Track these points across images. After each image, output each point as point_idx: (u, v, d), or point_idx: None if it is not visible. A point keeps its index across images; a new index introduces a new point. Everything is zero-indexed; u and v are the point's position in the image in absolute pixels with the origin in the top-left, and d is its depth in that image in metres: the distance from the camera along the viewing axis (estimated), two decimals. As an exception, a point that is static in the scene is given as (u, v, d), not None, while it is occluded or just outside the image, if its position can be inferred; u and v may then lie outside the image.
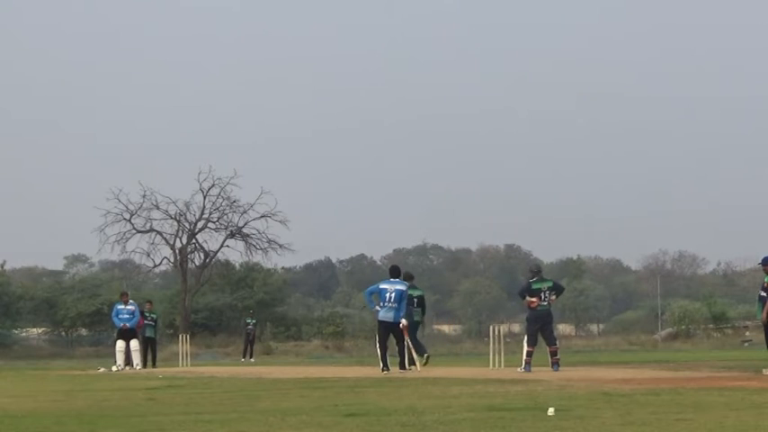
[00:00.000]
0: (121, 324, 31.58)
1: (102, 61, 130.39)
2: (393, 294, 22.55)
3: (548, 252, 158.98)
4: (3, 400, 15.73)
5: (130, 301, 32.79)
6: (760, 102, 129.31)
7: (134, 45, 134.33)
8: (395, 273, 23.19)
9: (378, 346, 22.90)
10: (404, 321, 22.75)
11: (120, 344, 31.63)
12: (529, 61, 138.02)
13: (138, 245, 61.31)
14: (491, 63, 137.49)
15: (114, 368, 31.12)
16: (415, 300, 23.95)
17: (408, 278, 23.71)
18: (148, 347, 34.50)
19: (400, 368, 22.61)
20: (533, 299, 22.08)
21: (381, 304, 22.68)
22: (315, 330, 63.92)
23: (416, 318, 24.17)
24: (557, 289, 22.58)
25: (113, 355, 32.50)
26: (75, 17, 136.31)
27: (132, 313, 31.99)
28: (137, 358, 32.09)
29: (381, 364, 22.42)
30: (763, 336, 22.26)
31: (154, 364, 34.00)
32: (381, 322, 22.77)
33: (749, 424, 9.73)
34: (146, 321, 34.66)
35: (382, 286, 22.89)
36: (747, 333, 57.00)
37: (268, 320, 63.09)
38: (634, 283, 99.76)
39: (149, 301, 37.72)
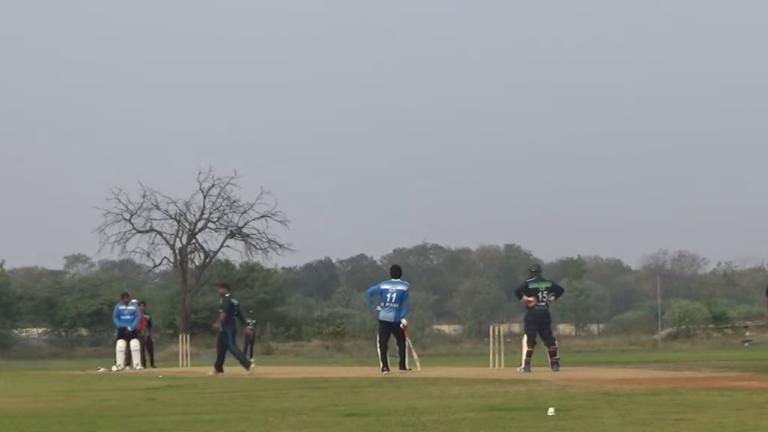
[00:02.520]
0: (123, 325, 31.62)
1: (103, 60, 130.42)
2: (394, 294, 22.58)
3: (548, 252, 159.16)
4: (3, 401, 15.73)
5: (132, 301, 32.81)
6: (760, 101, 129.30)
7: (134, 44, 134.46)
8: (396, 273, 23.22)
9: (378, 346, 22.92)
10: (404, 321, 22.79)
11: (121, 344, 31.66)
12: (528, 60, 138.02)
13: (138, 245, 61.37)
14: (490, 62, 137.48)
15: (114, 368, 31.14)
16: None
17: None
18: (145, 348, 34.49)
19: (400, 368, 22.62)
20: (530, 298, 22.06)
21: (382, 304, 22.70)
22: (315, 330, 63.91)
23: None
24: (556, 290, 22.53)
25: (113, 355, 32.54)
26: (75, 16, 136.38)
27: (133, 314, 32.02)
28: (137, 358, 32.11)
29: (381, 364, 22.43)
30: (764, 336, 22.23)
31: (152, 364, 33.98)
32: (382, 322, 22.80)
33: (749, 424, 9.72)
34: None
35: (383, 287, 22.92)
36: (747, 333, 57.01)
37: (268, 320, 63.08)
38: (634, 283, 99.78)
39: (143, 302, 37.71)
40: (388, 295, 22.63)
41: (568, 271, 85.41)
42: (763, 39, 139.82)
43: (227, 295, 26.60)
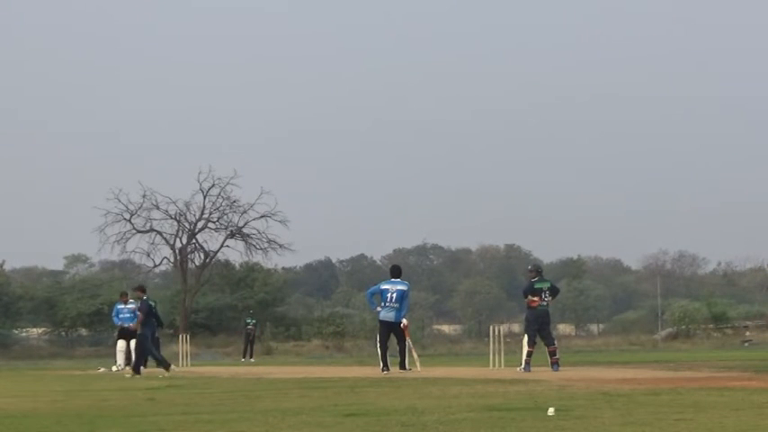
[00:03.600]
0: (120, 323, 31.64)
1: (102, 61, 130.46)
2: (394, 294, 22.60)
3: (548, 252, 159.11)
4: (2, 401, 15.73)
5: (131, 300, 32.81)
6: (760, 101, 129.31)
7: (134, 45, 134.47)
8: (396, 273, 23.23)
9: (378, 345, 22.92)
10: (405, 321, 22.81)
11: (121, 344, 31.68)
12: (527, 61, 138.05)
13: (138, 245, 61.44)
14: (491, 63, 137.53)
15: (114, 368, 31.15)
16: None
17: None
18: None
19: (400, 368, 22.63)
20: (535, 298, 22.14)
21: (383, 304, 22.72)
22: (315, 330, 63.90)
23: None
24: (553, 290, 22.67)
25: (113, 355, 32.57)
26: (75, 16, 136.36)
27: (133, 312, 32.01)
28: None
29: (381, 364, 22.44)
30: (764, 336, 22.28)
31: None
32: (382, 322, 22.81)
33: (749, 424, 9.72)
34: None
35: (383, 287, 22.94)
36: (747, 333, 57.04)
37: (268, 320, 63.09)
38: (634, 283, 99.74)
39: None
40: (389, 295, 22.64)
41: (568, 271, 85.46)
42: (763, 39, 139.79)
43: (145, 297, 26.75)
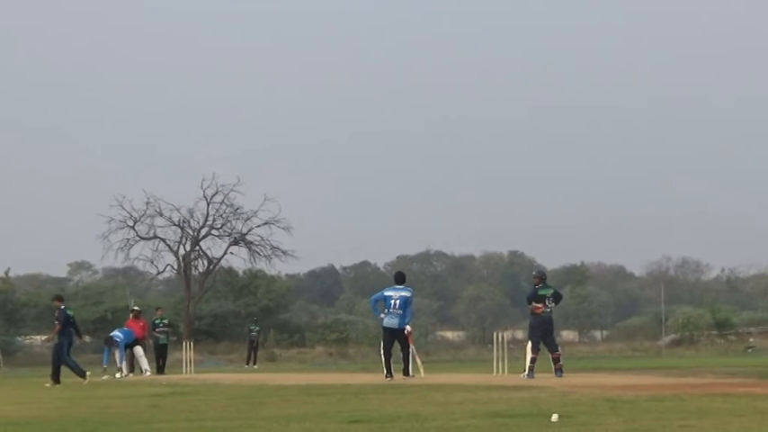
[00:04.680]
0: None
1: (106, 67, 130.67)
2: (398, 301, 22.62)
3: (551, 258, 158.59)
4: (6, 408, 15.74)
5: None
6: (763, 105, 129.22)
7: (137, 50, 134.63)
8: (399, 279, 23.26)
9: (382, 352, 22.93)
10: (408, 328, 22.82)
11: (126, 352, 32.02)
12: (531, 66, 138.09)
13: (141, 252, 61.37)
14: (492, 69, 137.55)
15: (118, 375, 31.19)
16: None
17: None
18: (162, 354, 34.87)
19: (404, 374, 22.64)
20: (539, 305, 22.17)
21: (386, 311, 22.71)
22: (318, 337, 63.90)
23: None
24: (556, 296, 22.70)
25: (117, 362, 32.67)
26: (78, 23, 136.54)
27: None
28: (144, 364, 32.39)
29: (385, 371, 22.44)
30: (767, 342, 22.31)
31: (163, 371, 34.04)
32: (386, 329, 22.82)
33: (753, 430, 9.72)
34: (159, 329, 35.06)
35: (387, 293, 22.96)
36: (751, 339, 57.02)
37: (271, 327, 63.04)
38: (638, 290, 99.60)
39: (159, 308, 38.05)
40: (392, 302, 22.66)
41: (572, 277, 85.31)
42: (764, 41, 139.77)
43: (63, 307, 26.70)
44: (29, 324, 65.94)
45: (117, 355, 31.80)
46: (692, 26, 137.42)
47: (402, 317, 22.62)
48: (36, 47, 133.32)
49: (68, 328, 26.57)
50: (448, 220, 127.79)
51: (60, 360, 26.39)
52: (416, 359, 23.30)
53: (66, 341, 26.51)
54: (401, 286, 22.99)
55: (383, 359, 22.77)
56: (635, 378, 21.07)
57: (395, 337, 22.83)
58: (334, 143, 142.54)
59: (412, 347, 23.18)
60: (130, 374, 31.48)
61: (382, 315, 22.84)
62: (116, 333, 32.54)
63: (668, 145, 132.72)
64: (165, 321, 35.89)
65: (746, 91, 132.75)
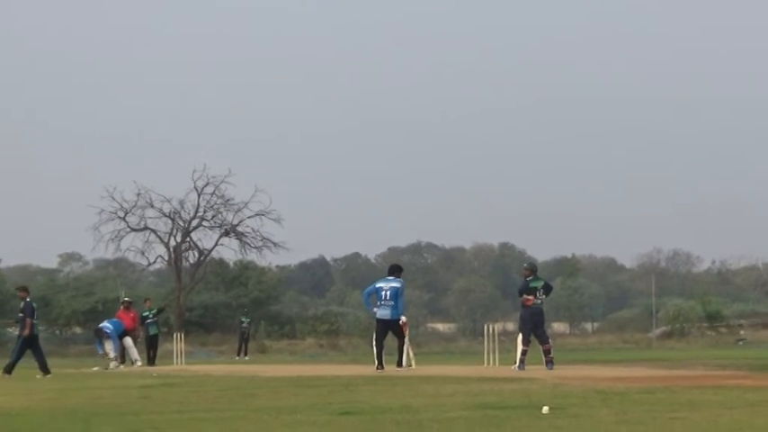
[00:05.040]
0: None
1: (98, 59, 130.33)
2: (388, 292, 22.66)
3: (542, 250, 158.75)
4: (-3, 399, 15.70)
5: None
6: (754, 101, 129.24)
7: (129, 43, 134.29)
8: (392, 270, 23.30)
9: (374, 343, 22.94)
10: (404, 318, 22.87)
11: (127, 341, 32.21)
12: (520, 60, 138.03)
13: (132, 243, 61.39)
14: (484, 62, 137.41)
15: (112, 365, 31.17)
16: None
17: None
18: (153, 345, 34.77)
19: (397, 366, 22.64)
20: (530, 297, 22.18)
21: (378, 303, 22.74)
22: (309, 329, 63.90)
23: None
24: (546, 288, 22.71)
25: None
26: (72, 16, 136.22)
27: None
28: (134, 354, 32.36)
29: (376, 362, 22.45)
30: (758, 335, 22.33)
31: (154, 362, 33.97)
32: (379, 320, 22.85)
33: (743, 422, 9.73)
34: (149, 321, 34.94)
35: (378, 285, 23.00)
36: (742, 332, 57.10)
37: (262, 319, 63.03)
38: (628, 282, 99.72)
39: (147, 299, 37.92)
40: (383, 293, 22.71)
41: (562, 269, 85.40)
42: (760, 39, 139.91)
43: (29, 299, 26.31)
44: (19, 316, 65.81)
45: (110, 345, 31.73)
46: (691, 22, 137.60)
47: (394, 308, 22.64)
48: (28, 39, 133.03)
49: (33, 320, 26.17)
50: (439, 211, 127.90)
51: (20, 351, 26.17)
52: (409, 351, 23.31)
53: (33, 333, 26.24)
54: (392, 277, 23.01)
55: (375, 350, 22.78)
56: (626, 370, 21.10)
57: (388, 328, 22.85)
58: (324, 135, 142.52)
59: (406, 339, 23.20)
60: (121, 366, 31.43)
61: (375, 308, 22.85)
62: (105, 324, 32.48)
63: (661, 137, 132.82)
64: (153, 311, 35.75)
65: (740, 82, 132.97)
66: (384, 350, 22.82)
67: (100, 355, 31.80)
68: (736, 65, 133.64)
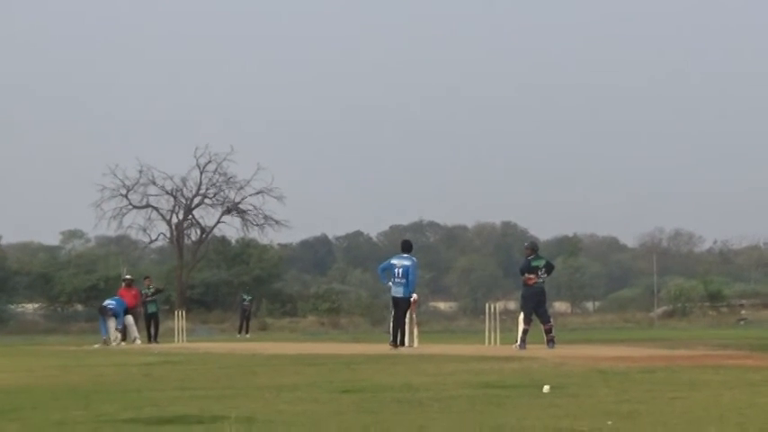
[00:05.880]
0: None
1: (100, 36, 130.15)
2: (400, 270, 22.86)
3: (544, 229, 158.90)
4: (-2, 376, 15.73)
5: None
6: (758, 84, 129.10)
7: (131, 20, 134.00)
8: (405, 248, 23.39)
9: (391, 320, 23.09)
10: (414, 296, 23.01)
11: (129, 318, 32.27)
12: (521, 43, 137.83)
13: (134, 220, 61.32)
14: (486, 40, 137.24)
15: (114, 343, 31.23)
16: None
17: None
18: (151, 322, 34.76)
19: (399, 344, 22.69)
20: (531, 275, 22.16)
21: (393, 279, 22.88)
22: (310, 307, 63.91)
23: None
24: (549, 267, 22.67)
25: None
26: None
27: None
28: (134, 332, 32.42)
29: (390, 338, 22.57)
30: (759, 314, 22.32)
31: (156, 339, 34.02)
32: (392, 298, 23.00)
33: (744, 402, 9.73)
34: (148, 299, 34.92)
35: (392, 261, 23.20)
36: (743, 312, 57.08)
37: (264, 297, 63.07)
38: (630, 261, 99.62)
39: (147, 277, 37.84)
40: (396, 270, 22.95)
41: (564, 248, 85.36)
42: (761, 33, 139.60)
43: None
44: (21, 293, 65.91)
45: (113, 322, 31.80)
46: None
47: (405, 285, 22.79)
48: (28, 16, 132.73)
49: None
50: (441, 190, 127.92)
51: None
52: (414, 330, 23.39)
53: None
54: (406, 255, 23.14)
55: (391, 327, 22.93)
56: (627, 350, 21.10)
57: (399, 305, 22.96)
58: (327, 115, 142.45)
59: (413, 317, 23.32)
60: (123, 343, 31.50)
61: (390, 283, 22.98)
62: (109, 302, 32.55)
63: (661, 118, 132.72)
64: (152, 289, 35.71)
65: (739, 66, 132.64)
66: (400, 327, 22.88)
67: (104, 339, 31.69)
68: (739, 55, 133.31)
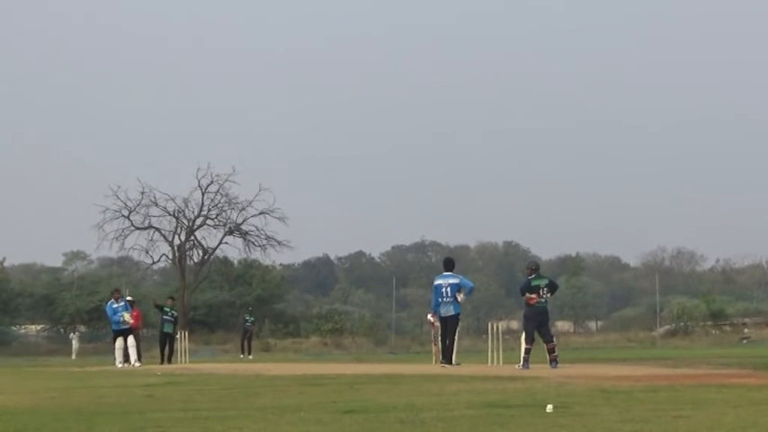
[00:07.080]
0: (118, 329, 31.95)
1: (101, 58, 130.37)
2: (448, 289, 23.04)
3: (546, 249, 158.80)
4: (1, 397, 15.72)
5: (127, 297, 33.23)
6: (759, 102, 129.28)
7: (131, 41, 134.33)
8: (448, 266, 23.50)
9: (439, 340, 23.27)
10: (429, 316, 23.24)
11: (120, 342, 31.87)
12: (533, 58, 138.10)
13: (136, 242, 61.42)
14: (488, 63, 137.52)
15: (119, 365, 31.20)
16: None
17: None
18: (167, 342, 34.83)
19: (444, 362, 22.84)
20: (533, 295, 22.12)
21: (440, 300, 23.01)
22: (313, 327, 63.94)
23: None
24: (551, 286, 22.62)
25: (112, 352, 32.69)
26: (74, 16, 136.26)
27: (125, 308, 32.24)
28: (134, 354, 32.28)
29: (442, 357, 22.95)
30: (762, 333, 22.34)
31: (170, 360, 34.14)
32: (441, 318, 23.12)
33: (748, 421, 9.72)
34: (165, 317, 35.06)
35: (437, 282, 23.28)
36: (746, 330, 57.03)
37: (266, 317, 63.08)
38: (632, 280, 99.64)
39: (171, 297, 38.06)
40: (443, 290, 23.09)
41: (567, 268, 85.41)
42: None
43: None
44: (23, 314, 65.96)
45: (132, 339, 31.89)
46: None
47: (455, 304, 22.91)
48: (29, 43, 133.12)
49: None
50: (443, 210, 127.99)
51: None
52: (437, 345, 23.67)
53: None
54: (449, 273, 23.28)
55: (439, 347, 23.13)
56: (630, 369, 21.07)
57: (448, 324, 23.12)
58: (329, 134, 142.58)
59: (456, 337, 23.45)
60: (126, 364, 31.45)
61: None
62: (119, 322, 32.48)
63: (665, 139, 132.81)
64: (174, 313, 36.03)
65: (734, 89, 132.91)
66: (450, 346, 23.01)
67: (119, 368, 31.43)
68: (742, 69, 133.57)
